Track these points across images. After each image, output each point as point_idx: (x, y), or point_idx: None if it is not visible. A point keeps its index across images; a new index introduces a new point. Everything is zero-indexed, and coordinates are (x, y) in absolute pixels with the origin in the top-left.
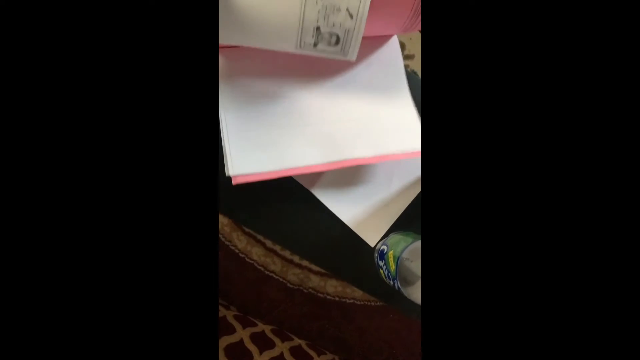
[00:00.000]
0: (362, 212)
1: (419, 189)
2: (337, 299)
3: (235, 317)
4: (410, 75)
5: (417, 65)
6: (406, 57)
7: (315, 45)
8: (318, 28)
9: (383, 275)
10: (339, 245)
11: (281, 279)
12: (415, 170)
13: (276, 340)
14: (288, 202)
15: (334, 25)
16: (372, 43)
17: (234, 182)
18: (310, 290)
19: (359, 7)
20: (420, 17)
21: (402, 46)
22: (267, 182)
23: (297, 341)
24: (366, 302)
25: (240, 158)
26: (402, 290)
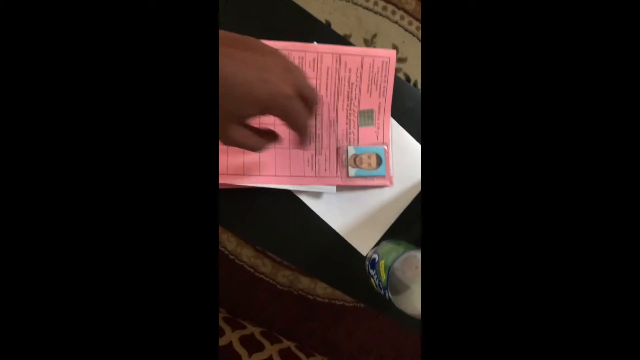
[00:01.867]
0: (354, 220)
1: (411, 197)
2: (327, 300)
3: (225, 319)
4: (407, 87)
5: (409, 69)
6: (399, 60)
7: None
8: None
9: (374, 284)
10: (330, 253)
11: (271, 281)
12: (407, 179)
13: (265, 342)
14: (279, 209)
15: None
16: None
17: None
18: (300, 292)
19: None
20: None
21: (395, 49)
22: (256, 189)
23: (286, 343)
24: (356, 304)
25: None
26: (393, 300)
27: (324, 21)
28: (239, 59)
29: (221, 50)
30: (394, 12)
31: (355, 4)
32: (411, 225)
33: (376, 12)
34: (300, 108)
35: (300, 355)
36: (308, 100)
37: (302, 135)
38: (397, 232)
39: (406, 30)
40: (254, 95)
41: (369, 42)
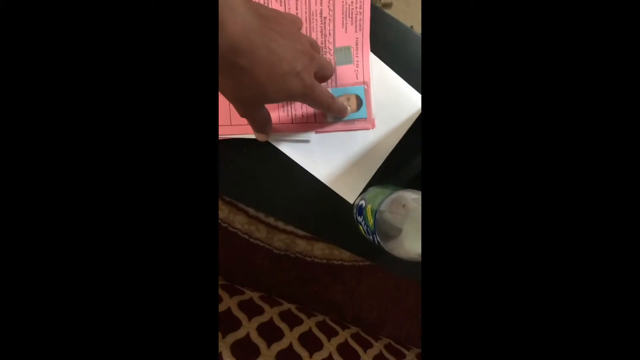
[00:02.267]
0: (338, 167)
1: (396, 139)
2: (325, 261)
3: (222, 286)
4: (386, 19)
5: (395, 15)
6: (384, 6)
7: None
8: None
9: (363, 231)
10: (317, 204)
11: (267, 246)
12: (391, 120)
13: (265, 306)
14: (256, 161)
15: None
16: None
17: None
18: (297, 254)
19: None
20: None
21: None
22: (228, 140)
23: (286, 306)
24: (354, 263)
25: None
26: (382, 244)
27: None
28: (281, 46)
29: (267, 33)
30: None
31: None
32: (398, 168)
33: None
34: (321, 93)
35: (301, 315)
36: (326, 78)
37: (328, 110)
38: (384, 176)
39: None
40: (289, 88)
41: None
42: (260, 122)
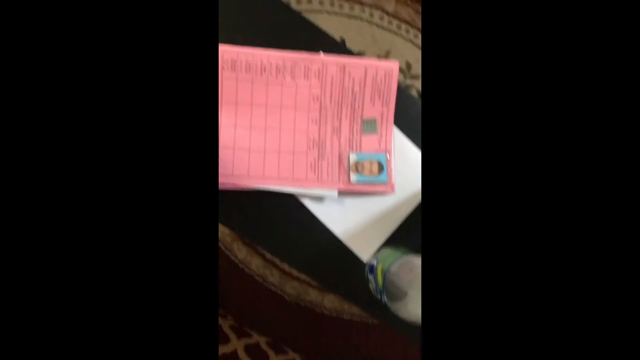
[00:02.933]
0: (355, 225)
1: (413, 205)
2: (334, 314)
3: (231, 327)
4: (411, 98)
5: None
6: (411, 77)
7: None
8: None
9: (372, 289)
10: (331, 257)
11: (279, 292)
12: (409, 187)
13: (270, 353)
14: (282, 212)
15: None
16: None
17: None
18: (307, 304)
19: None
20: None
21: (408, 67)
22: (260, 191)
23: (291, 355)
24: (363, 320)
25: None
26: (388, 304)
27: (338, 39)
28: None
29: None
30: (407, 31)
31: (370, 22)
32: (412, 233)
33: (390, 31)
34: None
35: None
36: None
37: None
38: (398, 239)
39: (419, 47)
40: None
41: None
42: None
